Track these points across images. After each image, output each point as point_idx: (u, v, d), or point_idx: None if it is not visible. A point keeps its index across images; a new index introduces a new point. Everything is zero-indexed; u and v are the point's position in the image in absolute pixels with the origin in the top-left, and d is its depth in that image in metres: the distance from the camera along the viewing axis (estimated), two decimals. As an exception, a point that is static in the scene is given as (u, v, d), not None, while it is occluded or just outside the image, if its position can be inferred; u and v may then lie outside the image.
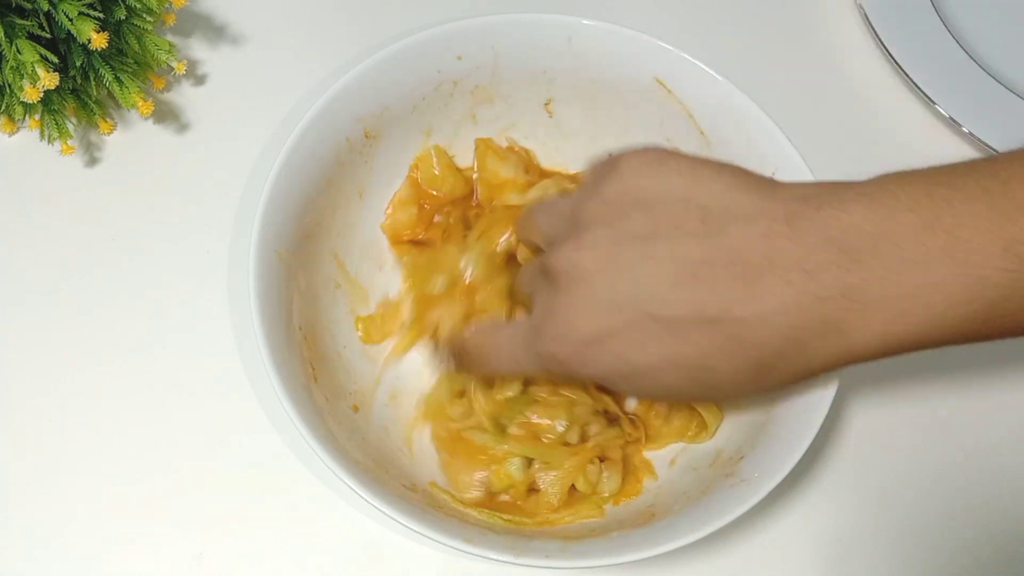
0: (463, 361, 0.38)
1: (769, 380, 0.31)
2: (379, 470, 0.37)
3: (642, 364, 0.31)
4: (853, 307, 0.29)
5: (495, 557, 0.33)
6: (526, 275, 0.37)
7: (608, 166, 0.33)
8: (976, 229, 0.27)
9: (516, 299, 0.39)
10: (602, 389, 0.40)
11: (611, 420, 0.41)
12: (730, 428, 0.40)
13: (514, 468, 0.39)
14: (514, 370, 0.37)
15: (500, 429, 0.39)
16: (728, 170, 0.31)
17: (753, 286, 0.29)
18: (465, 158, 0.45)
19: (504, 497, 0.39)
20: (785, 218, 0.29)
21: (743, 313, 0.29)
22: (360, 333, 0.42)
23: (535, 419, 0.39)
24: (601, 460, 0.40)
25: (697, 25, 0.52)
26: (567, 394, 0.39)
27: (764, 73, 0.50)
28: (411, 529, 0.33)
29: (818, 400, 0.36)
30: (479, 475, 0.39)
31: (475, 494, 0.39)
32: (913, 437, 0.43)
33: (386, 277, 0.44)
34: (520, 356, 0.34)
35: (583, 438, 0.40)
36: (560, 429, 0.39)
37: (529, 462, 0.39)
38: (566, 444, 0.39)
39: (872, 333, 0.29)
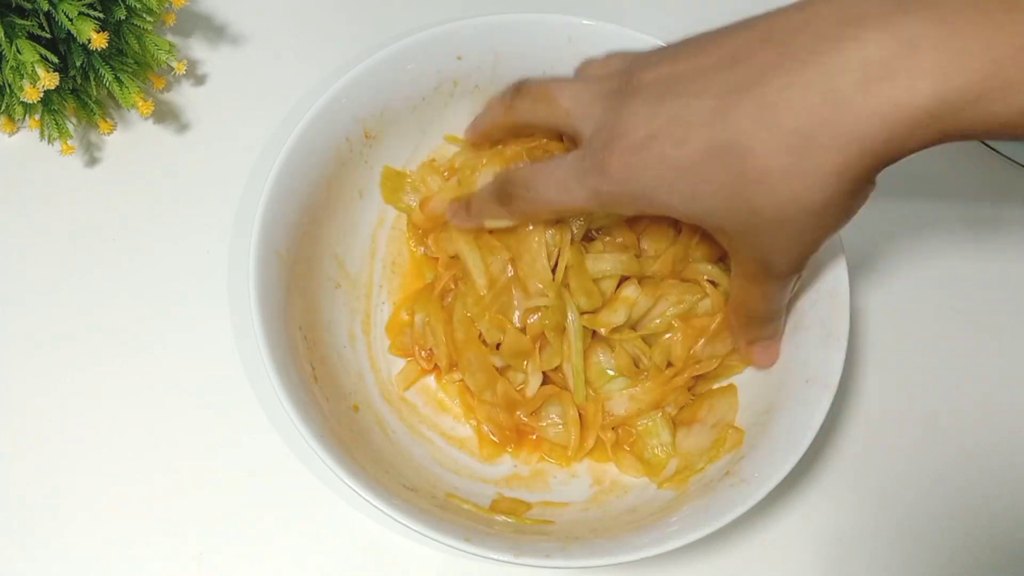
0: (507, 195, 0.37)
1: (815, 158, 0.28)
2: (379, 470, 0.37)
3: (683, 160, 0.30)
4: (901, 51, 0.26)
5: (495, 557, 0.33)
6: (579, 96, 0.35)
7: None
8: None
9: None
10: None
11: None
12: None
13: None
14: (563, 199, 0.35)
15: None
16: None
17: (788, 53, 0.28)
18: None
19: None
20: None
21: (778, 80, 0.28)
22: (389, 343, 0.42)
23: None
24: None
25: (697, 25, 0.52)
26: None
27: (764, 73, 0.50)
28: (411, 529, 0.33)
29: (817, 400, 0.36)
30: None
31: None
32: (913, 437, 0.43)
33: (386, 277, 0.44)
34: (571, 182, 0.34)
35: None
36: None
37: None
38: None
39: (925, 71, 0.26)
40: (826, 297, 0.38)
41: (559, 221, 0.38)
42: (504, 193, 0.37)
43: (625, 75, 0.34)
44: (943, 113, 0.26)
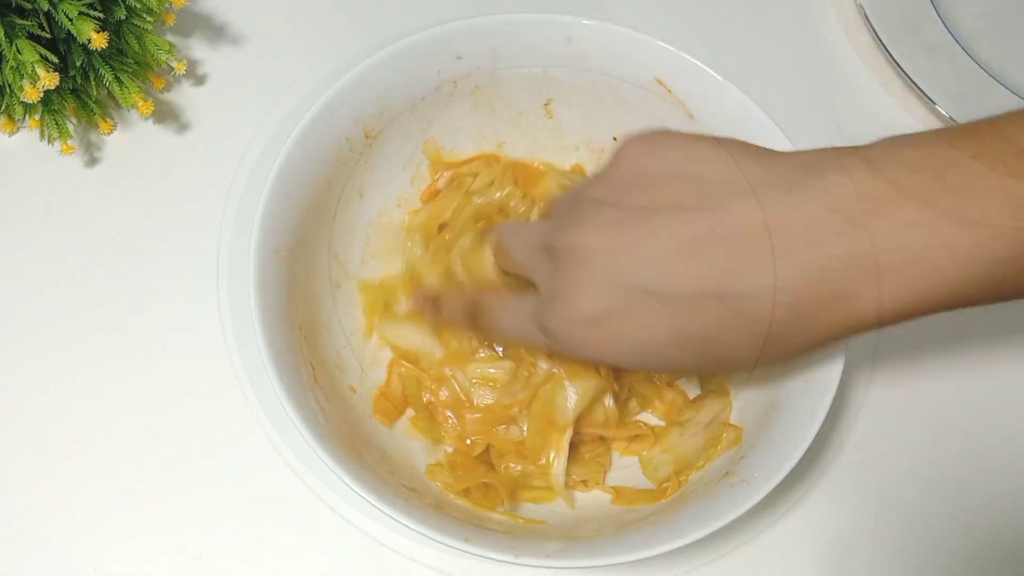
0: (474, 319, 0.38)
1: (775, 352, 0.30)
2: (379, 470, 0.37)
3: (646, 342, 0.31)
4: (859, 275, 0.28)
5: (495, 557, 0.33)
6: (526, 249, 0.36)
7: (611, 154, 0.33)
8: (982, 188, 0.27)
9: (501, 268, 0.39)
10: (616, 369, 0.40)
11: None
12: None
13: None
14: (520, 340, 0.37)
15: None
16: (727, 144, 0.31)
17: (754, 258, 0.29)
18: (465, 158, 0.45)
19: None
20: (785, 187, 0.29)
21: (744, 287, 0.29)
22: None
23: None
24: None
25: (697, 25, 0.52)
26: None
27: (764, 73, 0.50)
28: (411, 529, 0.33)
29: (817, 400, 0.36)
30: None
31: None
32: (913, 437, 0.43)
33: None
34: (528, 330, 0.34)
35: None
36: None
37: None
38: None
39: (880, 301, 0.28)
40: (826, 297, 0.38)
41: None
42: (471, 316, 0.38)
43: (564, 227, 0.32)
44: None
